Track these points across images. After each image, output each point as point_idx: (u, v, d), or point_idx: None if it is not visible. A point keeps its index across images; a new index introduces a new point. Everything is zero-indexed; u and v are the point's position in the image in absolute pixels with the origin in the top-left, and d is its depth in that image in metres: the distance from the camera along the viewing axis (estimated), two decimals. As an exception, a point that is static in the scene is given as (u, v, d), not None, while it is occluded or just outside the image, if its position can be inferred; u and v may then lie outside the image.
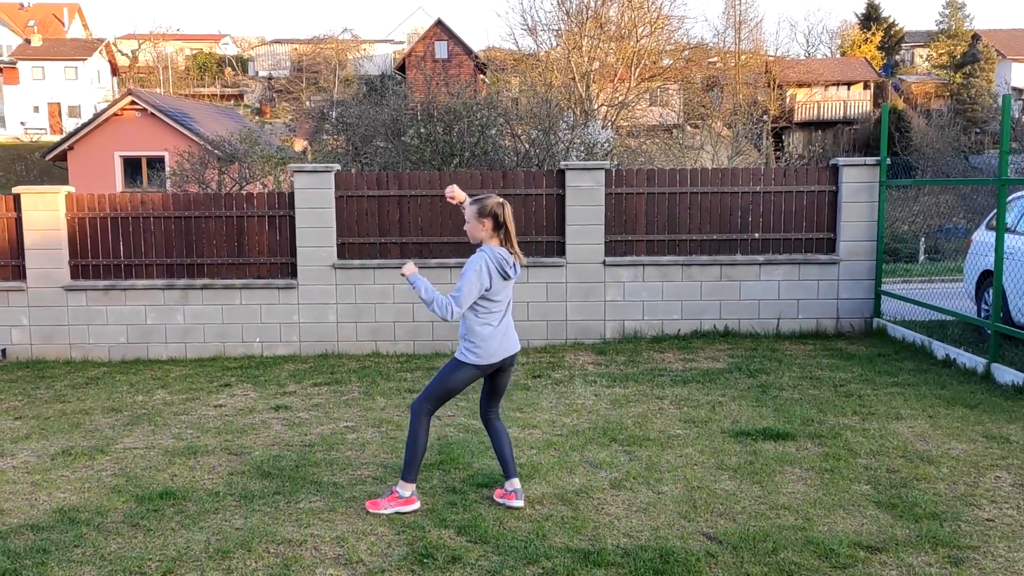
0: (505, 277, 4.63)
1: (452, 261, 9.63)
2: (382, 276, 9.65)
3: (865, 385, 7.38)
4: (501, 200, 4.66)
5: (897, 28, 55.86)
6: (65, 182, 27.34)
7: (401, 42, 64.02)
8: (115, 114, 28.46)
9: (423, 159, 14.92)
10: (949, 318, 9.05)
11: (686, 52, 34.00)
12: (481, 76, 42.66)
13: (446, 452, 5.75)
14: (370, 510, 4.76)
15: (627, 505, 4.80)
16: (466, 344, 4.68)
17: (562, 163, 9.88)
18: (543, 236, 9.76)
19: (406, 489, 4.76)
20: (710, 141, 29.00)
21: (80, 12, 70.08)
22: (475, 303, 4.60)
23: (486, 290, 4.57)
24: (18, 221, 9.80)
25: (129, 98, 28.62)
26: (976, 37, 49.76)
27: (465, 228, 4.71)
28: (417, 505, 4.77)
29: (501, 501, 4.82)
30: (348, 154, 17.95)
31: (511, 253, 4.65)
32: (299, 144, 39.09)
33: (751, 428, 6.13)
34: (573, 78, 29.08)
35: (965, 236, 11.78)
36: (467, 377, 4.71)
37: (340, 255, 9.75)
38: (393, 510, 4.72)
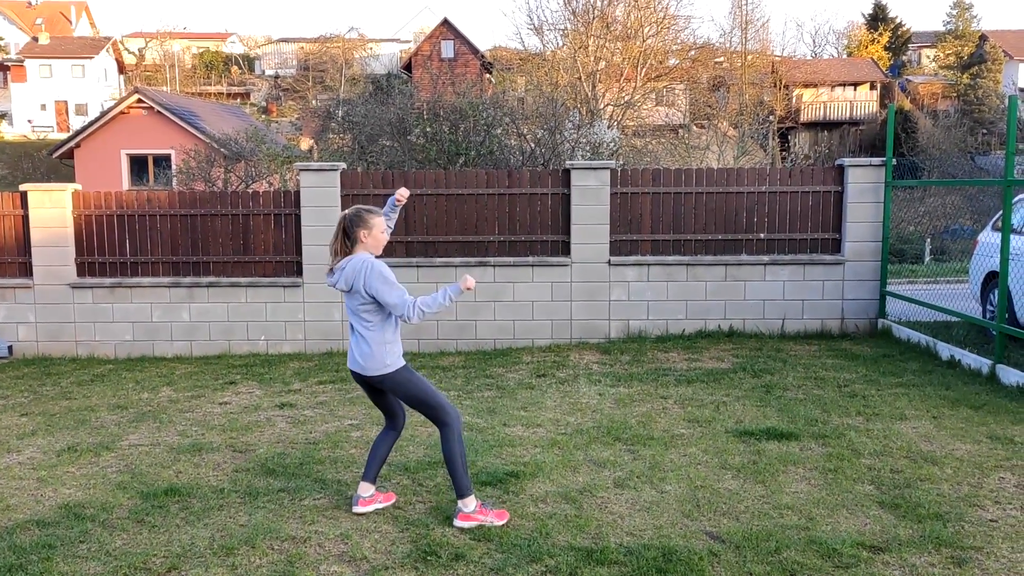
0: None
1: (457, 260, 9.64)
2: (387, 275, 9.65)
3: (869, 386, 7.38)
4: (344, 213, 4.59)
5: (904, 29, 55.76)
6: (72, 180, 27.43)
7: (407, 41, 64.03)
8: (122, 112, 28.56)
9: (429, 158, 14.94)
10: (954, 319, 9.03)
11: (692, 52, 33.93)
12: (487, 75, 42.67)
13: (450, 450, 5.76)
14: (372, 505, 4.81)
15: (630, 504, 4.81)
16: (387, 349, 4.51)
17: (567, 162, 9.88)
18: (548, 235, 9.77)
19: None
20: (716, 141, 28.96)
21: (87, 10, 70.25)
22: (378, 309, 4.48)
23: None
24: (25, 219, 9.84)
25: (136, 96, 28.72)
26: (983, 38, 49.61)
27: (373, 240, 4.56)
28: (377, 503, 4.79)
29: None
30: (354, 153, 17.97)
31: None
32: (305, 143, 39.18)
33: (755, 428, 6.13)
34: (579, 78, 29.06)
35: (971, 237, 11.75)
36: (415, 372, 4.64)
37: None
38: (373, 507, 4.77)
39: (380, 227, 4.57)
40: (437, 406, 4.56)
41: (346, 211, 4.59)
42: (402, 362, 4.58)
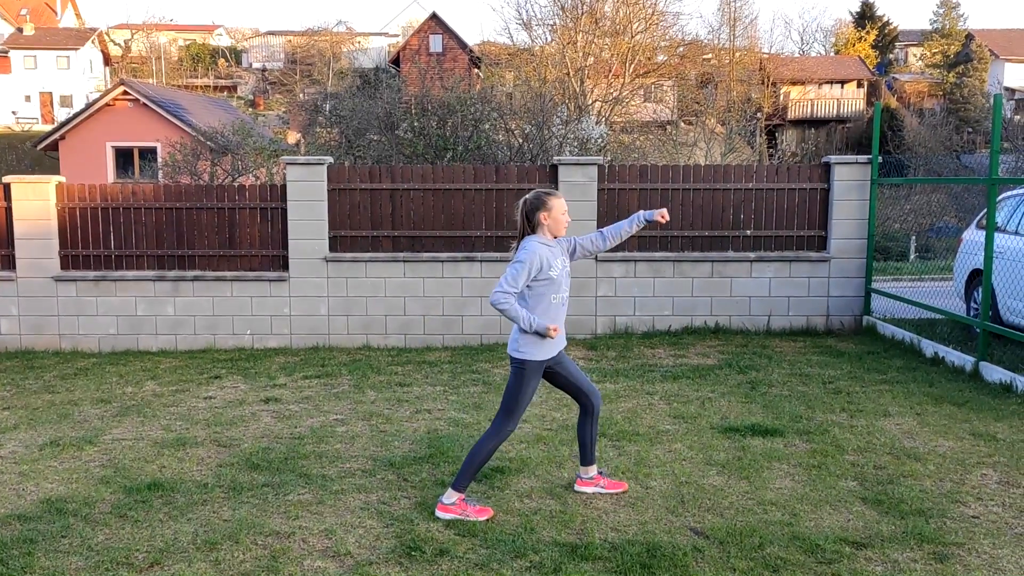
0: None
1: (444, 255, 9.62)
2: (374, 269, 9.64)
3: (854, 382, 7.41)
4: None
5: (891, 27, 55.97)
6: (56, 172, 27.20)
7: (396, 35, 63.78)
8: (107, 104, 28.32)
9: (416, 153, 14.90)
10: (938, 316, 9.09)
11: (681, 48, 33.99)
12: (475, 70, 42.58)
13: (436, 446, 5.76)
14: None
15: (615, 500, 4.82)
16: (525, 338, 4.54)
17: (555, 158, 9.88)
18: (535, 231, 9.75)
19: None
20: (704, 138, 29.01)
21: (73, 1, 69.64)
22: (530, 292, 4.52)
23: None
24: (8, 211, 9.75)
25: (121, 88, 28.48)
26: (970, 37, 49.84)
27: (553, 223, 4.57)
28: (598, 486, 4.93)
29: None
30: (341, 147, 17.91)
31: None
32: (292, 136, 38.98)
33: (740, 424, 6.15)
34: (567, 73, 29.05)
35: (955, 235, 11.82)
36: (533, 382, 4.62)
37: (332, 248, 9.74)
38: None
39: (560, 209, 4.58)
40: (511, 414, 4.58)
41: (527, 195, 4.63)
42: (533, 358, 4.52)
